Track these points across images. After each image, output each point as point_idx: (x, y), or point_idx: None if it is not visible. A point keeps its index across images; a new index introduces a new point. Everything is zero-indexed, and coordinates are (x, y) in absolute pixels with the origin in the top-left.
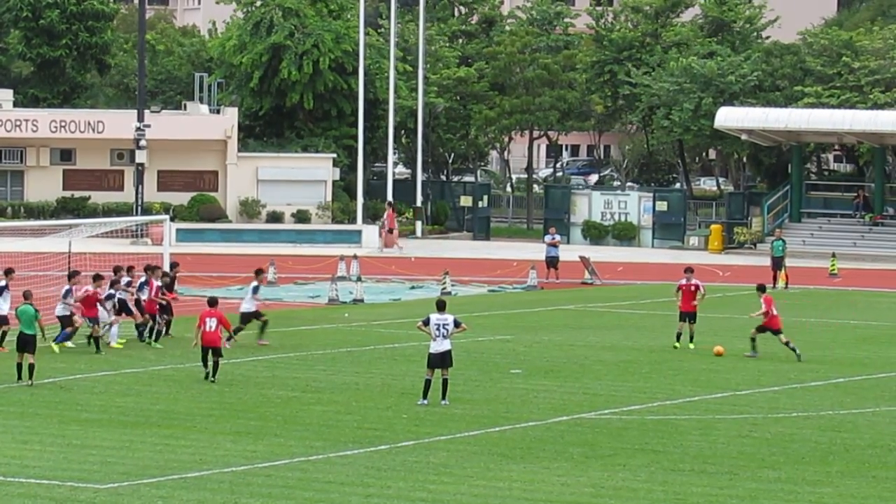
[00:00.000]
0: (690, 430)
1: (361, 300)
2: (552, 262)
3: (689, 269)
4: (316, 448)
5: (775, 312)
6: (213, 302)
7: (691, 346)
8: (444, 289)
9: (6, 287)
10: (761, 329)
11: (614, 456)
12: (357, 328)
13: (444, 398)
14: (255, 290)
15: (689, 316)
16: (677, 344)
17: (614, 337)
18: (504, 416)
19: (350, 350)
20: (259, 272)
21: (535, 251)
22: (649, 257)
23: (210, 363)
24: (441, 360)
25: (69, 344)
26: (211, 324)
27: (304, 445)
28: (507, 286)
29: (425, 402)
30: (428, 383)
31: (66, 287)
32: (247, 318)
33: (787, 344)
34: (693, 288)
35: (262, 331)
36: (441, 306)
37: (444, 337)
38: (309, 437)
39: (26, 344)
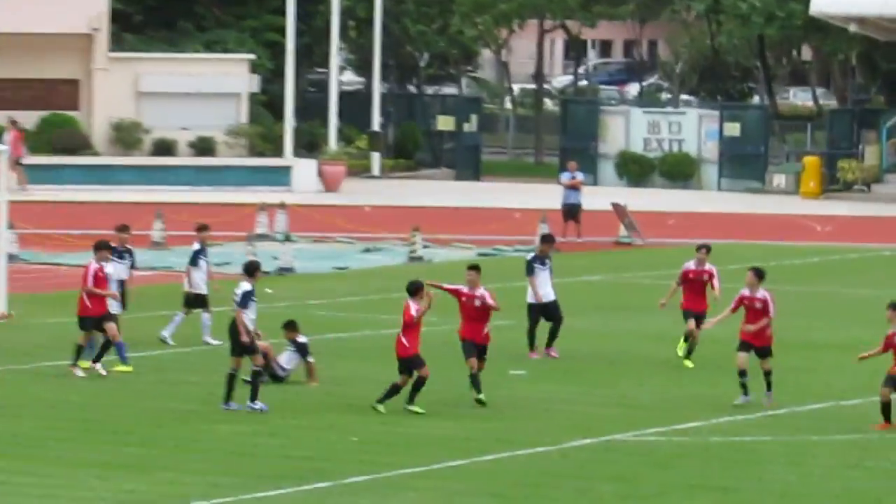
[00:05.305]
0: (774, 458)
1: (290, 269)
2: (571, 211)
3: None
4: (221, 489)
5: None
6: None
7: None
8: (414, 252)
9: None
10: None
11: (661, 496)
12: (285, 311)
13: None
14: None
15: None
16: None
17: (663, 322)
18: (498, 440)
19: (273, 342)
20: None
21: (546, 197)
22: (714, 205)
23: None
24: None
25: None
26: None
27: (205, 483)
28: (506, 248)
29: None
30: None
31: None
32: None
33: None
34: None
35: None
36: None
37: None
38: (212, 472)
39: None
